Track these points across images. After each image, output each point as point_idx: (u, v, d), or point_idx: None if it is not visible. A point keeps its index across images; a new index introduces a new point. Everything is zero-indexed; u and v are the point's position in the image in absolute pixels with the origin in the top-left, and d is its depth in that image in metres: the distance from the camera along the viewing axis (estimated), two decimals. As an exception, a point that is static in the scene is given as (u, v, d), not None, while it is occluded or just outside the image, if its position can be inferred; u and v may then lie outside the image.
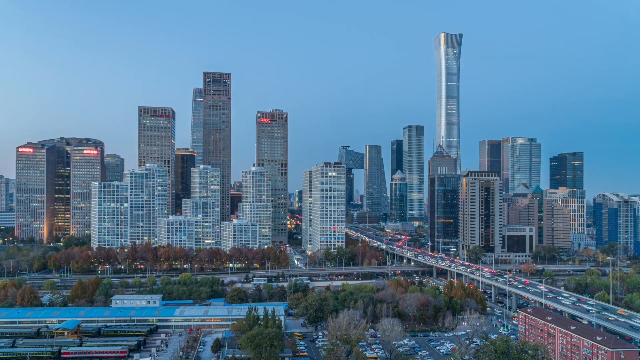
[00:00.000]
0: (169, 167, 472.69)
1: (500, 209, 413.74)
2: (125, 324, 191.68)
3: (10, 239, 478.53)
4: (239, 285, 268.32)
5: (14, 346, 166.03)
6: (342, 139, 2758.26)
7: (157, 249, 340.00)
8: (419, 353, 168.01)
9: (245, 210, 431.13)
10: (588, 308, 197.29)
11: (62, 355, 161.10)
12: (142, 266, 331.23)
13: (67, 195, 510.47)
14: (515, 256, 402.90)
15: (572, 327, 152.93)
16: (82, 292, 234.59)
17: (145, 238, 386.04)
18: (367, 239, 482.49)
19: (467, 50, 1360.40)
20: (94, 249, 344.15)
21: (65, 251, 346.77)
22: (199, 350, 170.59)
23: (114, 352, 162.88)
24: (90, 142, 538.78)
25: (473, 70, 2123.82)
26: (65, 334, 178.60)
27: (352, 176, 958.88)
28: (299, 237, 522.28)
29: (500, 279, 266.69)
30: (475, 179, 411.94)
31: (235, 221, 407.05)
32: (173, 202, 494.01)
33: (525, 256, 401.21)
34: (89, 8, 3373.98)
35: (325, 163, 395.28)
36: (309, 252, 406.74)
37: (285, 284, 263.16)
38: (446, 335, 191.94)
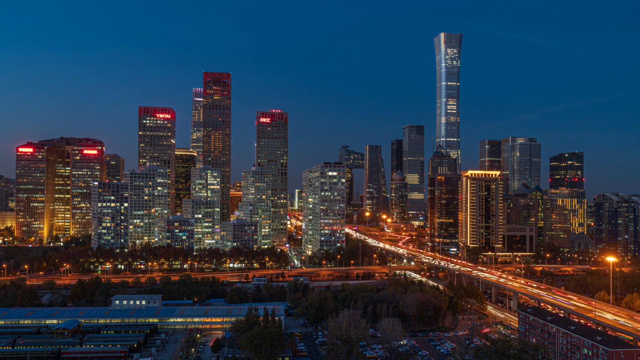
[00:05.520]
0: (169, 167, 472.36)
1: (500, 208, 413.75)
2: (125, 324, 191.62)
3: (10, 238, 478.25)
4: (239, 285, 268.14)
5: (14, 346, 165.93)
6: (342, 139, 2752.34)
7: (157, 248, 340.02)
8: (419, 353, 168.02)
9: (245, 210, 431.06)
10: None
11: (62, 355, 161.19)
12: (142, 266, 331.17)
13: (67, 195, 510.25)
14: (515, 256, 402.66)
15: (572, 327, 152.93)
16: (82, 292, 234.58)
17: (145, 238, 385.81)
18: (367, 239, 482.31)
19: (467, 50, 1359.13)
20: (94, 249, 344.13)
21: (65, 251, 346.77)
22: (199, 350, 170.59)
23: (113, 352, 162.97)
24: (90, 142, 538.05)
25: (473, 70, 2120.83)
26: (65, 333, 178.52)
27: (352, 176, 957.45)
28: (299, 237, 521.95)
29: (499, 279, 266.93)
30: (475, 179, 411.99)
31: (235, 221, 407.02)
32: (173, 202, 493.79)
33: (526, 256, 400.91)
34: (88, 8, 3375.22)
35: (325, 163, 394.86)
36: (309, 252, 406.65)
37: (285, 284, 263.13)
38: (446, 335, 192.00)
